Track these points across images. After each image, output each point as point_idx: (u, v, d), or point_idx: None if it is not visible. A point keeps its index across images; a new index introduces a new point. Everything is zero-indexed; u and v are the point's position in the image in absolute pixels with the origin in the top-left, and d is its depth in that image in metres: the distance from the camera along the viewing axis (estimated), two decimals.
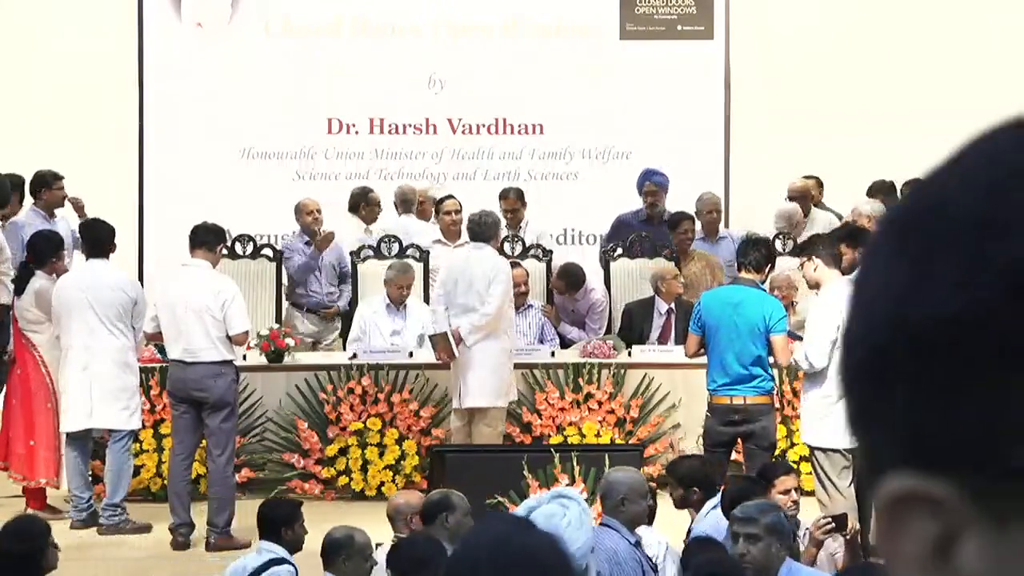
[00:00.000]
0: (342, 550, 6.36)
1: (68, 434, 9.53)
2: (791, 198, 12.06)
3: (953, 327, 0.65)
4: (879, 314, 0.69)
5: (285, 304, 11.59)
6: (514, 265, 10.48)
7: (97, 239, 9.63)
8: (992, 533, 0.65)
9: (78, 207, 11.26)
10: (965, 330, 0.65)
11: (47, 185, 11.14)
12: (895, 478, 0.67)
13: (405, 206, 12.22)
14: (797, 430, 9.31)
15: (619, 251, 11.65)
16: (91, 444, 9.66)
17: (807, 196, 12.08)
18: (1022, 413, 0.64)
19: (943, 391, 0.65)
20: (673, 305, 10.91)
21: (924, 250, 0.67)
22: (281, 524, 6.92)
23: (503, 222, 10.84)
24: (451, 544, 6.50)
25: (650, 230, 11.73)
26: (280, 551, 6.73)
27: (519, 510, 5.73)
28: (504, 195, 12.01)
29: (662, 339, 10.87)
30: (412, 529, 6.86)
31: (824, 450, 8.07)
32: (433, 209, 12.09)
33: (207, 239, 9.33)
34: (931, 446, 0.66)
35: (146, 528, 9.38)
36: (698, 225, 11.73)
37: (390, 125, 13.55)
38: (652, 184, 11.83)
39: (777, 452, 9.16)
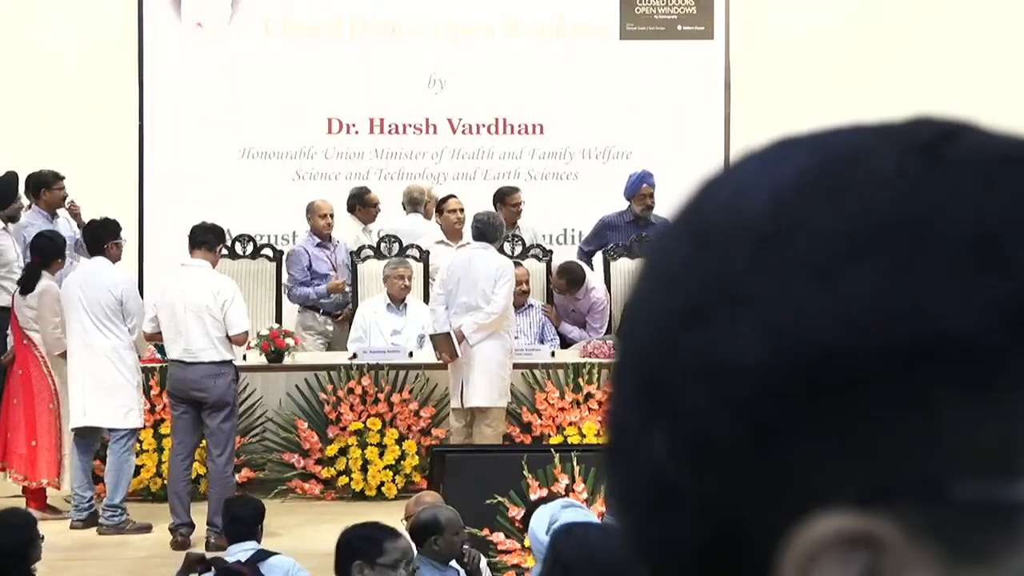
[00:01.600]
0: None
1: (76, 433, 9.56)
2: None
3: (917, 351, 0.61)
4: (802, 335, 0.62)
5: (295, 306, 11.59)
6: (515, 265, 10.50)
7: (95, 237, 9.70)
8: (937, 573, 0.61)
9: (74, 213, 11.28)
10: (922, 354, 0.61)
11: (47, 185, 11.17)
12: (825, 518, 0.61)
13: (413, 205, 12.23)
14: None
15: (614, 253, 11.67)
16: (98, 444, 9.67)
17: None
18: (960, 440, 0.61)
19: (883, 420, 0.61)
20: None
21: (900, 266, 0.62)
22: (257, 520, 6.93)
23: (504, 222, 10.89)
24: (442, 562, 6.51)
25: (637, 231, 11.74)
26: (257, 546, 6.74)
27: (542, 519, 5.72)
28: (511, 191, 12.05)
29: None
30: None
31: None
32: (434, 209, 12.10)
33: (206, 239, 9.35)
34: (868, 480, 0.61)
35: (146, 528, 9.39)
36: None
37: (390, 125, 13.55)
38: (649, 186, 11.83)
39: None
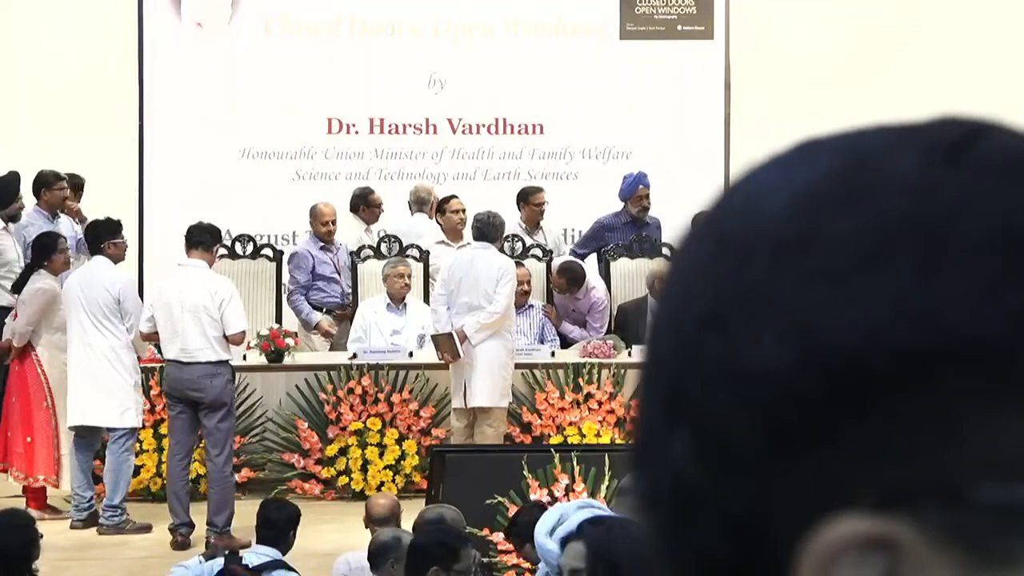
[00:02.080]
0: (390, 553, 6.29)
1: (75, 433, 9.56)
2: None
3: (938, 355, 0.61)
4: (822, 340, 0.62)
5: (293, 298, 11.56)
6: (516, 265, 10.50)
7: (95, 237, 9.74)
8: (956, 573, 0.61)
9: (73, 211, 11.29)
10: (943, 358, 0.61)
11: (47, 185, 11.17)
12: (843, 521, 0.61)
13: (419, 204, 12.24)
14: None
15: (613, 253, 11.70)
16: (98, 444, 9.67)
17: None
18: (981, 444, 0.61)
19: (903, 423, 0.61)
20: None
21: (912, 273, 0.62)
22: (289, 527, 6.90)
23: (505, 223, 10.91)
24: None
25: (636, 231, 11.79)
26: (277, 554, 6.69)
27: (551, 516, 5.71)
28: (535, 191, 12.13)
29: None
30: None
31: None
32: (435, 209, 12.11)
33: (203, 239, 9.35)
34: (887, 484, 0.61)
35: (146, 528, 9.39)
36: None
37: (390, 125, 13.55)
38: (645, 187, 11.87)
39: None
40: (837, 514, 0.62)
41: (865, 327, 0.62)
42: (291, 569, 6.63)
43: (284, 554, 6.80)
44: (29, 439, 9.78)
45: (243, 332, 9.28)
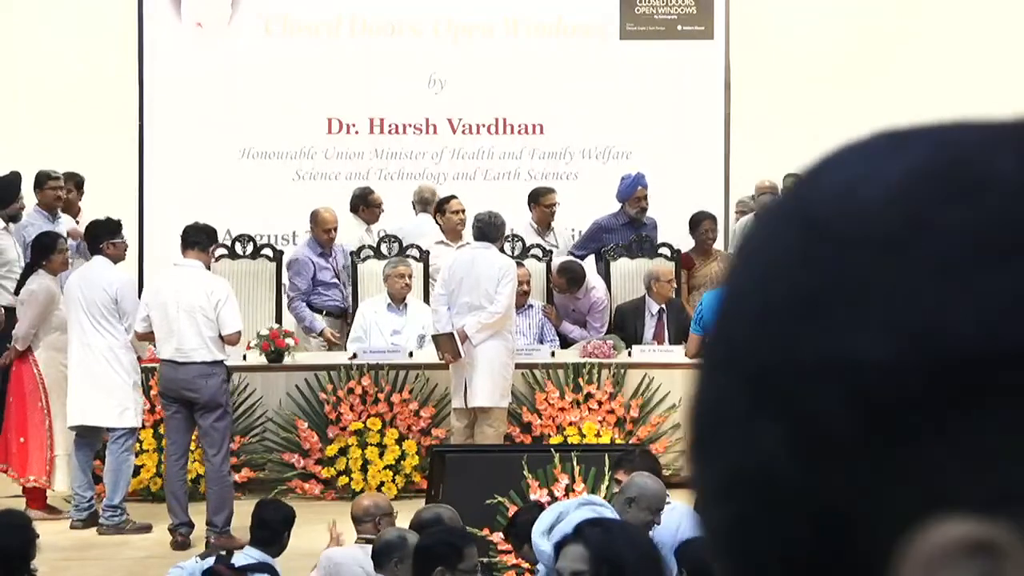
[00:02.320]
0: (394, 552, 6.27)
1: (76, 433, 9.57)
2: (761, 195, 12.27)
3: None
4: (935, 336, 0.61)
5: (295, 305, 11.55)
6: (516, 265, 10.49)
7: (94, 237, 9.74)
8: None
9: (76, 235, 11.26)
10: None
11: (39, 185, 11.17)
12: (945, 524, 0.61)
13: (423, 204, 12.23)
14: None
15: (613, 254, 11.71)
16: (99, 444, 9.67)
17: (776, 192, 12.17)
18: None
19: (1011, 424, 0.61)
20: (664, 306, 11.00)
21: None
22: (284, 528, 6.88)
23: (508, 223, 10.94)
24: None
25: (635, 232, 11.79)
26: (266, 558, 6.66)
27: (549, 515, 5.70)
28: (546, 192, 12.15)
29: (656, 340, 10.92)
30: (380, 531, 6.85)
31: None
32: (435, 209, 12.11)
33: (199, 239, 9.35)
34: (990, 486, 0.61)
35: (146, 528, 9.39)
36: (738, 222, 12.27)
37: (390, 125, 13.54)
38: (643, 188, 11.88)
39: None
40: (936, 515, 0.61)
41: (978, 324, 0.61)
42: (277, 574, 6.61)
43: (278, 555, 6.79)
44: (23, 439, 9.79)
45: (239, 332, 9.27)
